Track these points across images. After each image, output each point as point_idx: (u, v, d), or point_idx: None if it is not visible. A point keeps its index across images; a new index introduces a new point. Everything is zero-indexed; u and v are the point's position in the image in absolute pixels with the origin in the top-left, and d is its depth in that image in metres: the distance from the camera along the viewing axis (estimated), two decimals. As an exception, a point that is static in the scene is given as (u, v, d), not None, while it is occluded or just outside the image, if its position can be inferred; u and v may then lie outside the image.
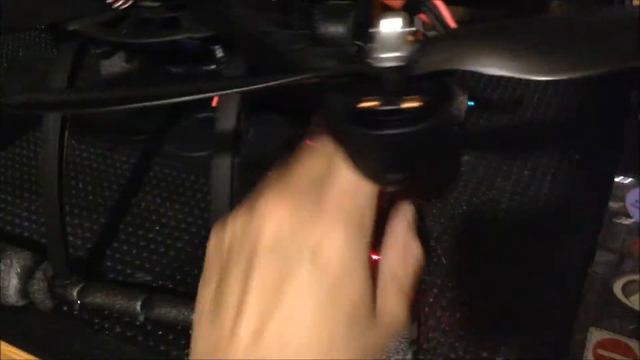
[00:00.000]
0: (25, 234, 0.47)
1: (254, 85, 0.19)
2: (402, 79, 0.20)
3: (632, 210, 0.44)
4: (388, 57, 0.21)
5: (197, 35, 0.33)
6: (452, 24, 0.39)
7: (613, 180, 0.47)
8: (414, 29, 0.20)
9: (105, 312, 0.40)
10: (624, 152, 0.49)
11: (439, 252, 0.43)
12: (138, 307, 0.38)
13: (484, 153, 0.51)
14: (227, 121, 0.33)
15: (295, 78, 0.20)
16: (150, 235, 0.46)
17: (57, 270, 0.40)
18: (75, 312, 0.41)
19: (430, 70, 0.20)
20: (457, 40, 0.21)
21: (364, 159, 0.22)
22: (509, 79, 0.59)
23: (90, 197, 0.50)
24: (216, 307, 0.27)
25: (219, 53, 0.35)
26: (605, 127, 0.52)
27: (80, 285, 0.40)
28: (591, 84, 0.58)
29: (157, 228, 0.47)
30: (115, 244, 0.46)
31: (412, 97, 0.20)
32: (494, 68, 0.19)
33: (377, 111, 0.20)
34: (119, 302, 0.38)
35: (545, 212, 0.45)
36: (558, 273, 0.41)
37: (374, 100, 0.20)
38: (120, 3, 0.35)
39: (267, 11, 0.29)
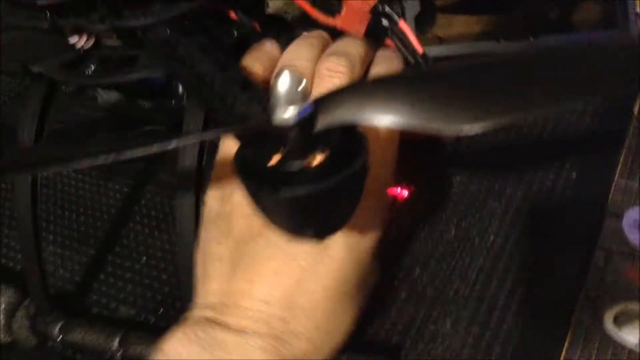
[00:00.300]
0: (15, 269, 0.47)
1: (160, 145, 0.19)
2: (304, 135, 0.20)
3: (629, 232, 0.42)
4: (287, 114, 0.20)
5: (154, 74, 0.33)
6: (419, 48, 0.38)
7: (609, 200, 0.44)
8: (303, 84, 0.20)
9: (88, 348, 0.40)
10: (622, 173, 0.47)
11: (424, 280, 0.42)
12: (115, 345, 0.38)
13: (476, 173, 0.49)
14: (188, 158, 0.33)
15: (197, 138, 0.20)
16: (137, 267, 0.46)
17: (38, 307, 0.40)
18: (58, 349, 0.41)
19: (330, 126, 0.19)
20: (354, 94, 0.20)
21: (274, 217, 0.21)
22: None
23: (82, 229, 0.50)
24: (235, 267, 0.29)
25: (180, 89, 0.35)
26: (605, 144, 0.50)
27: (61, 322, 0.40)
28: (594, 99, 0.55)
29: (144, 259, 0.47)
30: (101, 277, 0.46)
31: (315, 154, 0.19)
32: (392, 121, 0.18)
33: (280, 169, 0.19)
34: (96, 339, 0.38)
35: (535, 235, 0.43)
36: (547, 302, 0.39)
37: (275, 159, 0.20)
38: (82, 43, 0.35)
39: (213, 51, 0.28)
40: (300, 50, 0.32)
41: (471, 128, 0.17)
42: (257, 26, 0.34)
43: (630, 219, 0.43)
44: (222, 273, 0.30)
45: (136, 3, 0.32)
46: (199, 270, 0.31)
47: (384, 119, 0.18)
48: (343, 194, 0.20)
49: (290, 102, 0.20)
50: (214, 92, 0.25)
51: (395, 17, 0.37)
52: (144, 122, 0.47)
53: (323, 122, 0.19)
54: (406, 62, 0.39)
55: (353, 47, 0.34)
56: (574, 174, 0.48)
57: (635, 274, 0.39)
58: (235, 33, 0.35)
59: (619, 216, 0.43)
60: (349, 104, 0.19)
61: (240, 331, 0.27)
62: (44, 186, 0.54)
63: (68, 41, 0.35)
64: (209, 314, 0.29)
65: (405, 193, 0.48)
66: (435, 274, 0.42)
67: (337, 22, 0.35)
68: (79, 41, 0.35)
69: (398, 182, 0.49)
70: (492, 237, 0.43)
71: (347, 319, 0.31)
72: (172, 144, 0.19)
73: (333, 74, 0.31)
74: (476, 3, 0.67)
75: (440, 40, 0.63)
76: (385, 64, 0.35)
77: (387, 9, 0.36)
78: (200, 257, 0.32)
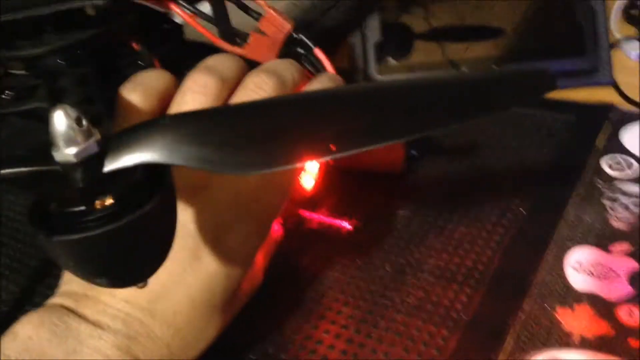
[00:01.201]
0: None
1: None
2: (91, 175, 0.18)
3: (569, 273, 0.40)
4: (69, 153, 0.19)
5: (43, 105, 0.32)
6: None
7: (553, 238, 0.42)
8: (84, 124, 0.18)
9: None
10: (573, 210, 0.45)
11: (349, 319, 0.39)
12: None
13: (421, 207, 0.47)
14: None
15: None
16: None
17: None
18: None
19: (119, 166, 0.18)
20: (145, 133, 0.19)
21: (59, 261, 0.20)
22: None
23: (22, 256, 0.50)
24: None
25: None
26: (561, 179, 0.48)
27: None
28: (553, 131, 0.54)
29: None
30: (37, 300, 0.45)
31: (104, 195, 0.18)
32: (183, 162, 0.17)
33: (65, 213, 0.18)
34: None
35: (469, 276, 0.41)
36: (473, 345, 0.37)
37: (55, 202, 0.18)
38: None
39: (88, 83, 0.28)
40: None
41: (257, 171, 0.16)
42: (156, 62, 0.33)
43: (572, 259, 0.40)
44: None
45: (29, 32, 0.31)
46: None
47: (169, 160, 0.17)
48: (134, 240, 0.19)
49: (73, 141, 0.19)
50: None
51: (310, 44, 0.36)
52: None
53: (111, 162, 0.18)
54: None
55: (287, 68, 0.34)
56: (523, 210, 0.45)
57: (570, 319, 0.37)
58: (142, 63, 0.34)
59: (562, 256, 0.41)
60: (135, 144, 0.18)
61: (95, 324, 0.27)
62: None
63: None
64: (68, 302, 0.29)
65: (349, 226, 0.47)
66: (362, 315, 0.40)
67: (244, 51, 0.34)
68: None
69: (341, 215, 0.47)
70: (425, 275, 0.41)
71: (210, 330, 0.31)
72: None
73: (258, 90, 0.31)
74: (455, 31, 0.66)
75: (454, 65, 0.62)
76: (320, 85, 0.34)
77: (301, 36, 0.35)
78: None
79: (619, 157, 0.49)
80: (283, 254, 0.45)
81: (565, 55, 0.59)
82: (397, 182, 0.50)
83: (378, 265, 0.43)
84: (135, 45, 0.33)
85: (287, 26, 0.35)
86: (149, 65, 0.33)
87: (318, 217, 0.47)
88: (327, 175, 0.49)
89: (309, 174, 0.38)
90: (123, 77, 0.33)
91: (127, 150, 0.18)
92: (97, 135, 0.19)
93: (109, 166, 0.18)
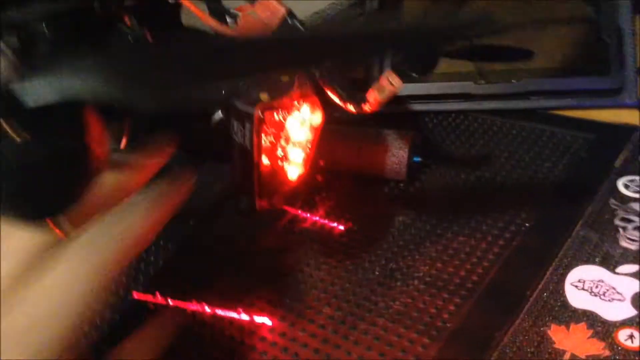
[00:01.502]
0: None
1: None
2: (8, 106, 0.18)
3: (569, 291, 0.37)
4: None
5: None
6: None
7: (558, 255, 0.40)
8: (7, 51, 0.18)
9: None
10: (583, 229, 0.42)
11: (331, 320, 0.38)
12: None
13: (422, 214, 0.45)
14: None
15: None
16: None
17: None
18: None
19: (39, 101, 0.17)
20: (67, 72, 0.18)
21: None
22: (481, 134, 0.54)
23: None
24: None
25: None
26: (572, 197, 0.45)
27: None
28: (571, 149, 0.51)
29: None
30: None
31: (14, 127, 0.18)
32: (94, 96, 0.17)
33: None
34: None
35: (461, 286, 0.39)
36: (457, 353, 0.34)
37: None
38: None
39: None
40: None
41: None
42: (148, 35, 0.33)
43: (574, 276, 0.38)
44: None
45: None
46: None
47: (85, 96, 0.17)
48: (45, 175, 0.18)
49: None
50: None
51: (304, 30, 0.35)
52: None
53: (31, 96, 0.18)
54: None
55: None
56: (527, 225, 0.43)
57: (563, 337, 0.34)
58: (130, 38, 0.34)
59: (564, 273, 0.38)
60: (45, 84, 0.18)
61: None
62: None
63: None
64: None
65: (341, 228, 0.45)
66: (342, 316, 0.38)
67: (234, 32, 0.34)
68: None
69: (338, 218, 0.46)
70: (414, 282, 0.39)
71: None
72: None
73: None
74: (480, 50, 0.65)
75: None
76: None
77: (295, 22, 0.35)
78: None
79: (637, 178, 0.46)
80: (270, 251, 0.43)
81: (590, 74, 0.56)
82: (400, 188, 0.48)
83: (367, 268, 0.41)
84: (126, 20, 0.33)
85: (282, 11, 0.34)
86: (139, 40, 0.33)
87: (311, 217, 0.46)
88: (328, 177, 0.48)
89: (294, 164, 0.37)
90: (108, 48, 0.33)
91: (47, 87, 0.18)
92: (22, 71, 0.18)
93: (29, 100, 0.18)
